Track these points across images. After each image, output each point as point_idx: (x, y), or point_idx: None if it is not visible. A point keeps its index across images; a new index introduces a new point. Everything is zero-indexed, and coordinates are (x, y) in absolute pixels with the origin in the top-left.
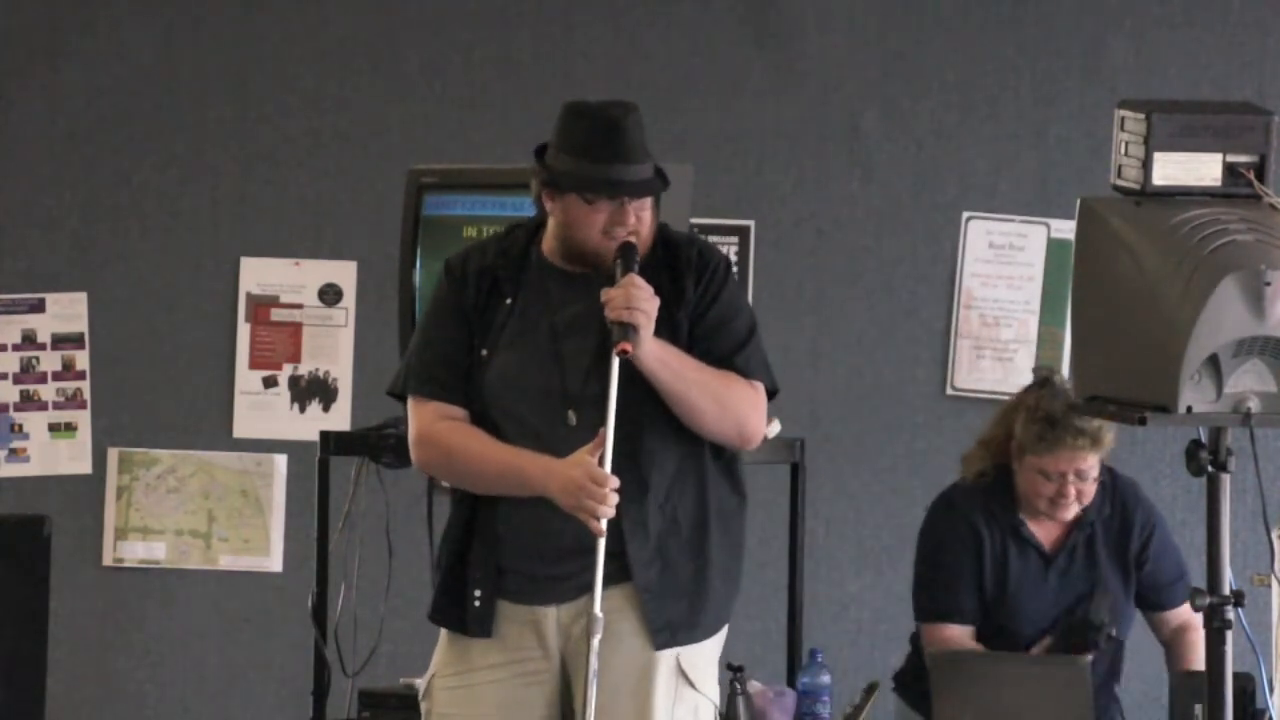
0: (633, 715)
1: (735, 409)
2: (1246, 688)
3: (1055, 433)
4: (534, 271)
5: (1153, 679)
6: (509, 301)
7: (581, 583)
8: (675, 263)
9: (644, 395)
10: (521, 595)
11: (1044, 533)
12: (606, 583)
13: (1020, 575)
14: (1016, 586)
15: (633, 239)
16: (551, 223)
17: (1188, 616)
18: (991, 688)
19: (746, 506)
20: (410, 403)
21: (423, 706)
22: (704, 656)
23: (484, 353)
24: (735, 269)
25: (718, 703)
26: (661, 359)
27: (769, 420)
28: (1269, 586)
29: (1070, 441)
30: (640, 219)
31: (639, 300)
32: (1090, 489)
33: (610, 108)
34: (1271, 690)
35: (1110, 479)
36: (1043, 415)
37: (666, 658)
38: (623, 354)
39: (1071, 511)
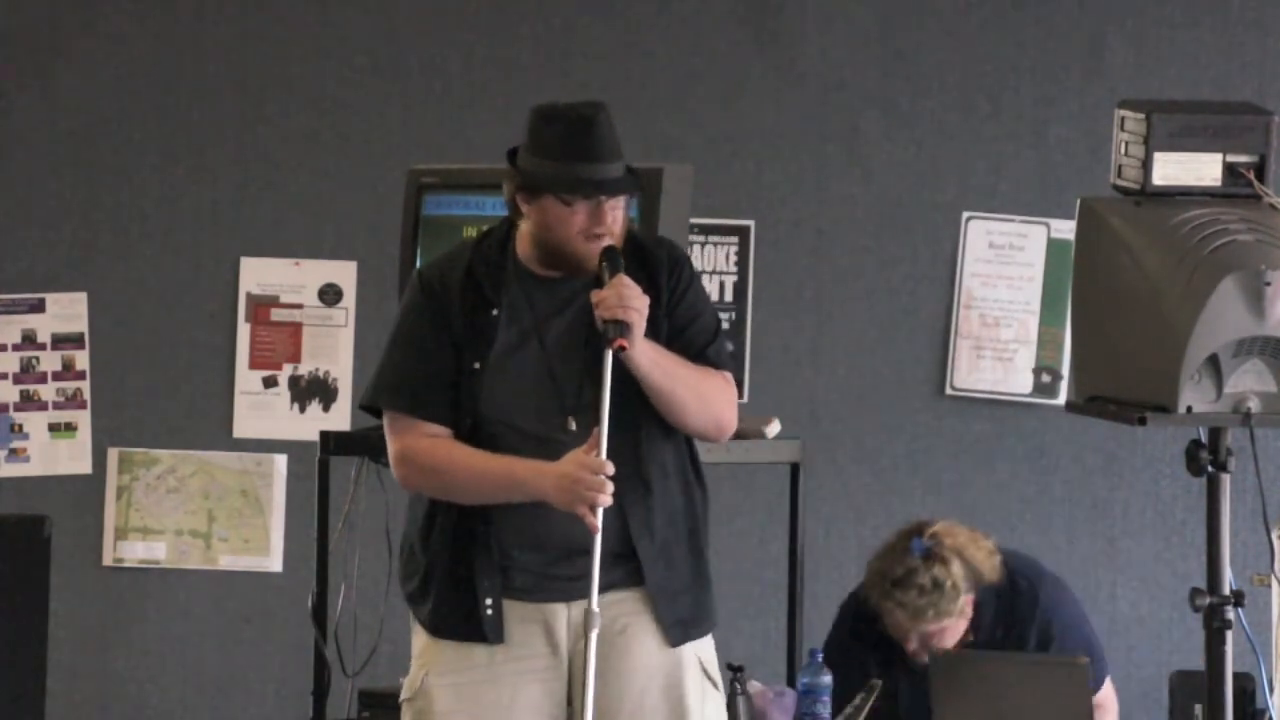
0: (668, 717)
1: (714, 402)
2: (1246, 688)
3: (876, 595)
4: (514, 279)
5: (1152, 679)
6: (495, 312)
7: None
8: (648, 263)
9: (639, 397)
10: (528, 593)
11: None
12: (622, 585)
13: (911, 703)
14: (910, 711)
15: (610, 239)
16: (527, 227)
17: (1098, 701)
18: (991, 688)
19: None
20: (387, 418)
21: (411, 706)
22: (713, 652)
23: (476, 366)
24: (735, 269)
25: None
26: (653, 359)
27: (769, 420)
28: (1269, 586)
29: (888, 607)
30: (615, 217)
31: (631, 299)
32: (947, 638)
33: (581, 108)
34: (1271, 690)
35: (1010, 592)
36: (877, 569)
37: (690, 658)
38: (620, 350)
39: (924, 659)
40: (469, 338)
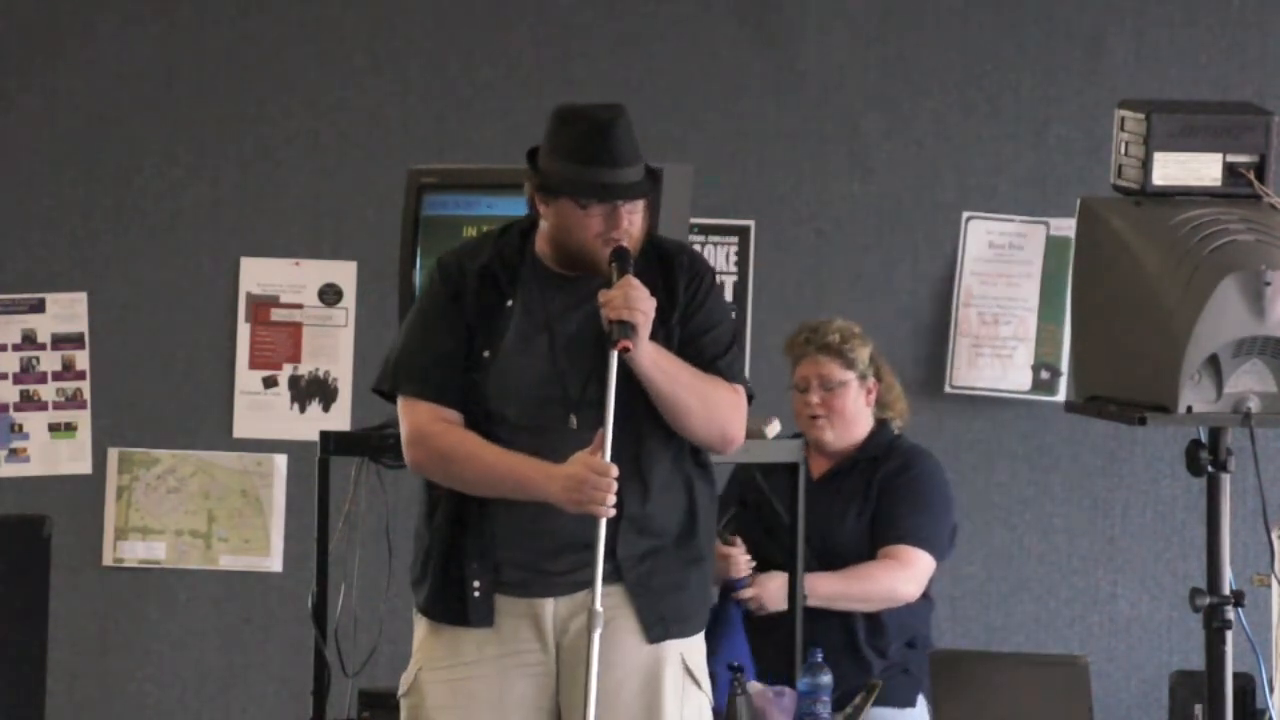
0: (643, 712)
1: (720, 412)
2: (1246, 688)
3: (792, 345)
4: (530, 273)
5: (1152, 679)
6: (509, 303)
7: (579, 578)
8: (668, 269)
9: (643, 400)
10: (518, 588)
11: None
12: (608, 580)
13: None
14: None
15: (625, 242)
16: (545, 226)
17: (894, 552)
18: (991, 688)
19: (717, 504)
20: (402, 402)
21: (407, 701)
22: (701, 654)
23: (486, 354)
24: (735, 269)
25: (713, 700)
26: (656, 362)
27: (769, 420)
28: (1269, 586)
29: (798, 345)
30: (632, 221)
31: (637, 300)
32: (847, 402)
33: (599, 111)
34: (1271, 690)
35: (899, 439)
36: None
37: (673, 656)
38: (624, 351)
39: (826, 434)
40: (482, 327)
